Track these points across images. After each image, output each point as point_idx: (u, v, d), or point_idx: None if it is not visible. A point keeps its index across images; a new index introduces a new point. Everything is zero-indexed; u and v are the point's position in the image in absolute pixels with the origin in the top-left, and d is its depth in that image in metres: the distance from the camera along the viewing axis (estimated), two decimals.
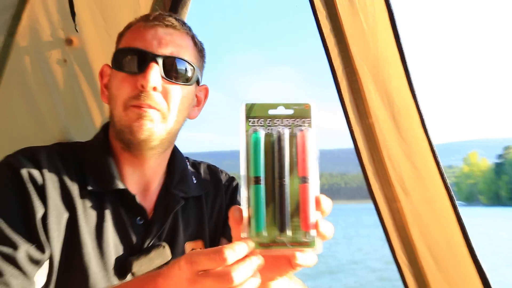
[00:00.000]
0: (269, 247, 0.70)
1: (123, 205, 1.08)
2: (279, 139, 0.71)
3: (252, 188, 0.70)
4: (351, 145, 1.55)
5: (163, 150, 1.13)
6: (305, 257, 0.70)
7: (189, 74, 1.10)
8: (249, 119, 0.72)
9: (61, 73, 1.62)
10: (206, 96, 1.21)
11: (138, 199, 1.08)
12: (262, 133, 0.71)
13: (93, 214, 1.04)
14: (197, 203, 1.20)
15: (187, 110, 1.13)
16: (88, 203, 1.04)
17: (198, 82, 1.16)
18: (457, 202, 1.46)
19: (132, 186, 1.11)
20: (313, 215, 0.69)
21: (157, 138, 1.07)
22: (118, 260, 1.04)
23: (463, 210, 1.42)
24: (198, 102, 1.20)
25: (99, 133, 1.17)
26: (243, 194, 0.70)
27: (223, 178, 1.29)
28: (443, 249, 1.53)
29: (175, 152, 1.20)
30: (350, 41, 1.45)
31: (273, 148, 0.71)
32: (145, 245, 1.07)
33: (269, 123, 0.72)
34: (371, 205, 1.59)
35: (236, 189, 1.29)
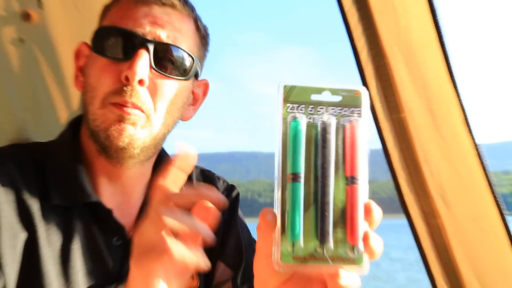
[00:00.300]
0: (306, 262, 0.70)
1: (96, 222, 1.08)
2: (324, 129, 0.72)
3: (289, 186, 0.70)
4: (378, 145, 1.55)
5: (147, 158, 1.13)
6: (350, 277, 0.70)
7: (186, 66, 1.10)
8: (288, 104, 0.73)
9: (17, 55, 1.62)
10: (205, 93, 1.23)
11: (115, 214, 1.09)
12: (303, 121, 0.72)
13: (57, 234, 1.03)
14: None
15: (180, 110, 1.14)
16: (52, 221, 1.03)
17: (196, 76, 1.16)
18: None
19: (108, 199, 1.11)
20: (362, 225, 0.70)
21: (139, 146, 1.07)
22: None
23: None
24: (195, 101, 1.20)
25: (66, 131, 1.17)
26: (276, 195, 0.71)
27: (221, 186, 1.30)
28: (496, 277, 1.53)
29: (162, 156, 1.21)
30: (377, 16, 1.45)
31: (316, 140, 0.72)
32: (125, 271, 1.05)
33: (311, 110, 0.73)
34: (403, 220, 1.59)
35: (237, 200, 1.29)
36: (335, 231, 0.70)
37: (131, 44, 1.05)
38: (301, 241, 0.70)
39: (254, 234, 0.74)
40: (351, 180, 0.71)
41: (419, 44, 1.44)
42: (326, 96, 0.73)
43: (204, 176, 1.31)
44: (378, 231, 0.75)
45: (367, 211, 0.70)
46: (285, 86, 0.73)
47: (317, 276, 0.74)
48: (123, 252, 1.08)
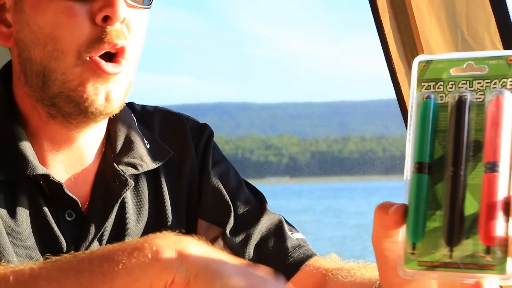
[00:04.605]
0: (434, 269, 0.71)
1: (44, 196, 1.08)
2: (458, 106, 0.70)
3: (412, 178, 0.72)
4: (391, 94, 1.55)
5: None
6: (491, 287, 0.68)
7: None
8: (423, 83, 0.74)
9: None
10: None
11: (67, 186, 1.09)
12: (434, 100, 0.72)
13: (1, 211, 1.04)
14: (152, 178, 1.20)
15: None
16: None
17: None
18: None
19: (57, 168, 1.11)
20: (502, 223, 0.68)
21: (123, 103, 1.09)
22: None
23: None
24: None
25: None
26: (405, 188, 0.73)
27: (190, 129, 1.28)
28: None
29: None
30: None
31: (450, 122, 0.71)
32: (80, 250, 1.07)
33: (451, 88, 0.72)
34: None
35: (209, 141, 1.28)
36: (471, 231, 0.69)
37: None
38: (429, 244, 0.71)
39: None
40: (490, 167, 0.68)
41: None
42: (470, 69, 0.72)
43: (168, 120, 1.28)
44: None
45: None
46: (419, 63, 0.74)
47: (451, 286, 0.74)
48: (76, 228, 1.10)
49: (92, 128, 1.11)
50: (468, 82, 0.71)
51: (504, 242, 0.67)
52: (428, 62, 0.74)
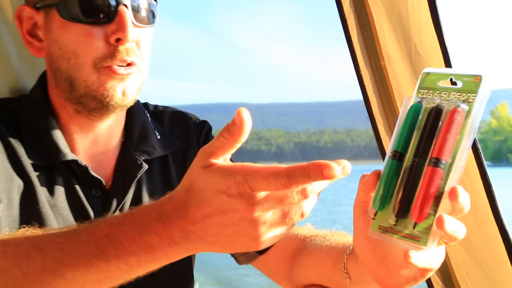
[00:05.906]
0: (385, 233, 0.74)
1: (75, 176, 1.09)
2: (429, 113, 0.72)
3: (387, 162, 0.75)
4: (359, 95, 1.55)
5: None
6: (417, 257, 0.70)
7: (155, 10, 1.09)
8: (421, 90, 0.76)
9: (11, 5, 1.58)
10: None
11: (92, 168, 1.10)
12: (419, 105, 0.74)
13: (43, 187, 1.05)
14: (162, 163, 1.21)
15: None
16: (37, 176, 1.05)
17: None
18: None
19: (85, 152, 1.12)
20: (431, 206, 0.69)
21: (135, 98, 1.09)
22: None
23: (489, 171, 1.38)
24: None
25: (37, 87, 1.15)
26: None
27: (193, 124, 1.28)
28: (468, 219, 1.51)
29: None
30: None
31: (420, 123, 0.73)
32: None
33: (437, 95, 0.74)
34: (382, 165, 1.59)
35: (208, 134, 1.28)
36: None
37: (109, 4, 1.01)
38: (387, 214, 0.73)
39: None
40: (434, 162, 0.70)
41: None
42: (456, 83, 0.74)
43: (175, 117, 1.29)
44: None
45: (452, 195, 0.68)
46: (422, 73, 0.76)
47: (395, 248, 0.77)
48: (101, 203, 1.11)
49: (111, 118, 1.11)
50: (448, 93, 0.74)
51: (431, 221, 0.70)
52: (428, 73, 0.76)
